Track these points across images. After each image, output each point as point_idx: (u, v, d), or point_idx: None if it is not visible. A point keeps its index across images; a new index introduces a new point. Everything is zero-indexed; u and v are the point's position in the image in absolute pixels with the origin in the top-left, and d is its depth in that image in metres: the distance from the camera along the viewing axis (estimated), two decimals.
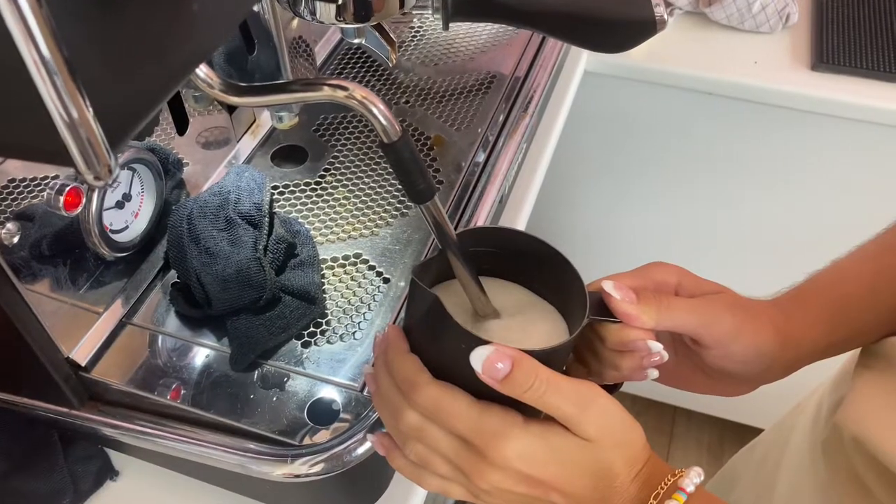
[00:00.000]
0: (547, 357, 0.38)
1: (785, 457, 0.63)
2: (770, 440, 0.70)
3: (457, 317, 0.38)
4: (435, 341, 0.40)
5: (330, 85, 0.37)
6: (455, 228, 0.41)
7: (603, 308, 0.42)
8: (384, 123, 0.36)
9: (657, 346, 0.42)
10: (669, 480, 0.39)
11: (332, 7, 0.47)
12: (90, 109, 0.26)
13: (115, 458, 0.59)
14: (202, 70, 0.37)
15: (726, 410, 1.57)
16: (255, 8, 0.51)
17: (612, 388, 0.46)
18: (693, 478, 0.39)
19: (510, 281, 0.46)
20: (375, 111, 0.36)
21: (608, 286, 0.42)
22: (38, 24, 0.23)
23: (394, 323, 0.57)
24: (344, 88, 0.37)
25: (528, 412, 0.38)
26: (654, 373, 0.45)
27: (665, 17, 0.53)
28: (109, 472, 0.59)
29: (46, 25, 0.23)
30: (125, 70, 0.28)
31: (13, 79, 0.25)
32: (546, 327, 0.44)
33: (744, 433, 1.60)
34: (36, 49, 0.24)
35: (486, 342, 0.37)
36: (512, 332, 0.43)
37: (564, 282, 0.43)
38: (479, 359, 0.37)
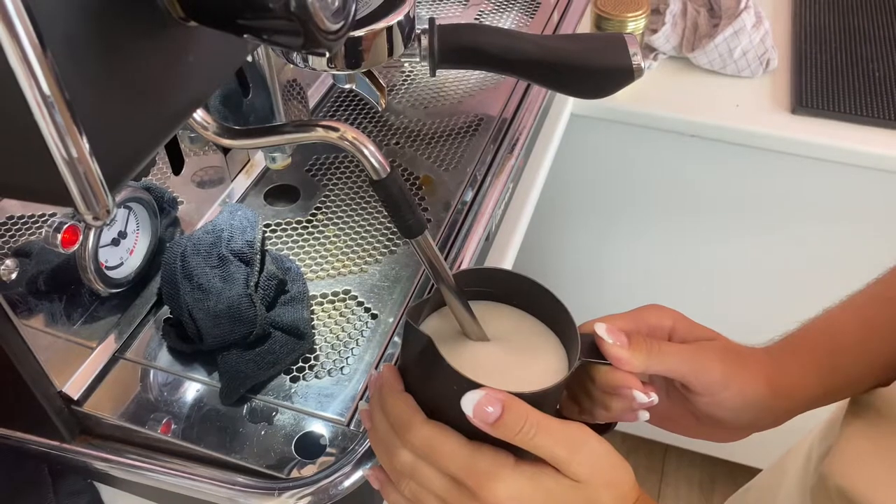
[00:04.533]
0: (538, 399, 0.38)
1: (776, 502, 0.64)
2: (763, 485, 0.70)
3: (453, 341, 0.39)
4: (428, 382, 0.41)
5: (322, 126, 0.39)
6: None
7: (595, 350, 0.43)
8: (373, 162, 0.38)
9: (642, 398, 0.43)
10: None
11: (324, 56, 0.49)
12: (90, 151, 0.27)
13: (104, 492, 0.60)
14: (198, 114, 0.39)
15: (717, 449, 1.56)
16: (250, 55, 0.53)
17: (604, 428, 0.47)
18: None
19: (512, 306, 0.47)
20: (365, 151, 0.38)
21: (600, 330, 0.44)
22: (41, 68, 0.25)
23: (381, 359, 0.59)
24: (335, 129, 0.39)
25: (520, 452, 0.39)
26: (645, 415, 0.46)
27: (642, 65, 0.56)
28: None
29: (49, 69, 0.25)
30: (124, 115, 0.30)
31: (17, 123, 0.26)
32: (546, 358, 0.44)
33: (735, 472, 1.60)
34: (39, 92, 0.25)
35: (477, 385, 0.38)
36: (510, 365, 0.44)
37: (558, 323, 0.44)
38: (469, 403, 0.38)
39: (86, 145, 0.27)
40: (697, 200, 1.17)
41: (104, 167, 0.28)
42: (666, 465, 1.66)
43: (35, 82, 0.25)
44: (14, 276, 0.48)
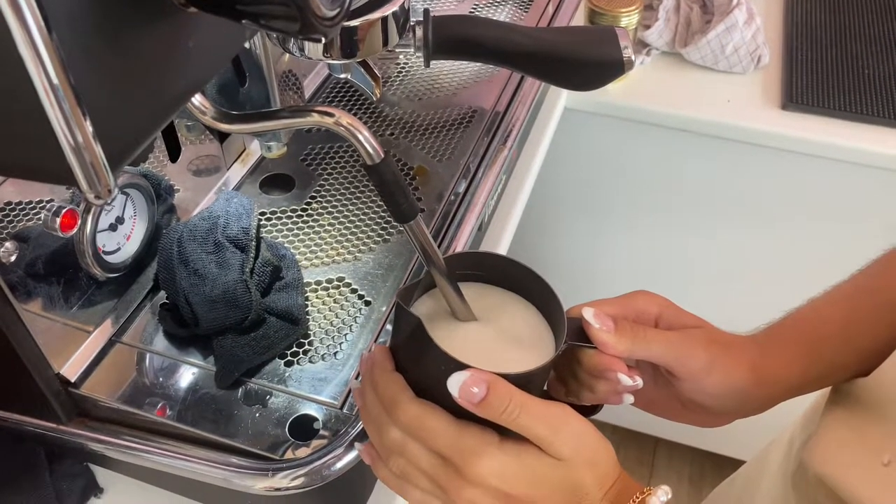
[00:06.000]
0: (522, 381, 0.39)
1: (760, 490, 0.65)
2: (748, 474, 0.71)
3: (443, 322, 0.40)
4: (417, 362, 0.42)
5: (318, 112, 0.40)
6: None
7: (582, 333, 0.44)
8: (367, 147, 0.39)
9: (627, 381, 0.44)
10: (638, 498, 0.40)
11: (320, 44, 0.50)
12: (94, 134, 0.28)
13: (100, 475, 0.60)
14: (196, 99, 0.39)
15: (707, 443, 1.58)
16: (247, 44, 0.54)
17: (591, 410, 0.48)
18: (660, 496, 0.40)
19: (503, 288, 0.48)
20: (360, 136, 0.39)
21: (588, 314, 0.45)
22: (48, 54, 0.26)
23: (374, 345, 0.59)
24: (330, 115, 0.40)
25: (505, 431, 0.40)
26: (630, 398, 0.47)
27: (632, 58, 0.56)
28: (94, 490, 0.60)
29: (56, 56, 0.26)
30: (126, 98, 0.31)
31: (21, 107, 0.27)
32: (534, 340, 0.45)
33: (724, 465, 1.61)
34: (47, 79, 0.26)
35: (463, 366, 0.39)
36: (498, 346, 0.45)
37: (547, 306, 0.45)
38: (455, 384, 0.39)
39: (89, 128, 0.28)
40: (688, 194, 1.19)
41: (106, 148, 0.29)
42: (656, 458, 1.67)
43: (43, 70, 0.26)
44: (13, 258, 0.49)
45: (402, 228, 0.43)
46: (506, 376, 0.39)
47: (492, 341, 0.44)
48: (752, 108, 1.07)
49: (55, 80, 0.26)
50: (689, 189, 1.18)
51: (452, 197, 0.73)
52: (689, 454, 1.65)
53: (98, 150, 0.29)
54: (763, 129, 1.05)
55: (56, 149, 0.28)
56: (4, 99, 0.28)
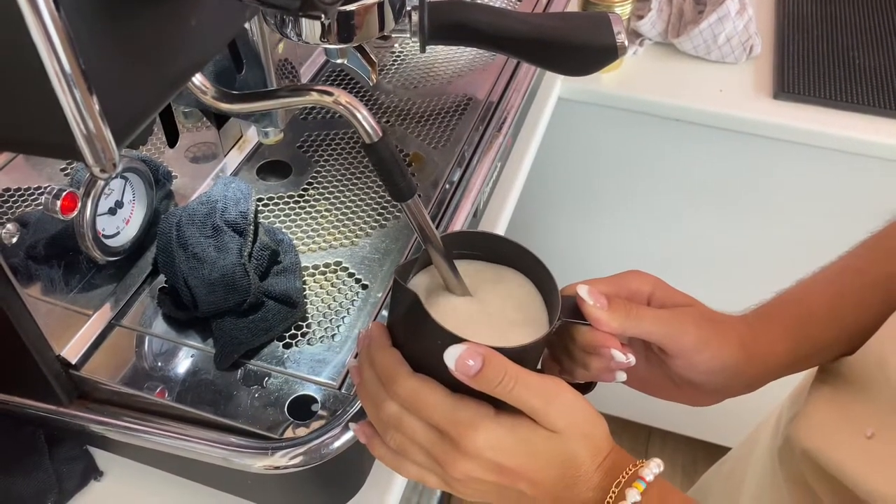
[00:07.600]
0: (517, 355, 0.40)
1: (749, 468, 0.66)
2: (737, 455, 0.73)
3: (439, 297, 0.40)
4: (414, 337, 0.42)
5: (317, 90, 0.41)
6: None
7: (576, 311, 0.45)
8: (366, 126, 0.40)
9: (620, 357, 0.45)
10: (630, 470, 0.41)
11: (317, 28, 0.50)
12: (101, 112, 0.29)
13: (100, 458, 0.61)
14: (197, 78, 0.40)
15: (700, 431, 1.59)
16: (246, 27, 0.54)
17: (585, 388, 0.49)
18: (652, 468, 0.41)
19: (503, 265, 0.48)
20: (359, 115, 0.40)
21: (582, 291, 0.46)
22: (58, 33, 0.26)
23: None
24: (329, 94, 0.40)
25: (501, 404, 0.40)
26: (622, 375, 0.48)
27: (626, 43, 0.57)
28: (94, 473, 0.60)
29: (65, 34, 0.26)
30: (131, 74, 0.32)
31: (30, 84, 0.28)
32: (529, 316, 0.46)
33: (716, 454, 1.60)
34: (56, 56, 0.27)
35: (460, 340, 0.40)
36: (494, 321, 0.45)
37: (542, 284, 0.46)
38: (452, 356, 0.39)
39: (97, 105, 0.29)
40: (680, 183, 1.20)
41: (112, 123, 0.30)
42: (650, 448, 1.69)
43: (52, 49, 0.27)
44: (15, 240, 0.49)
45: (399, 209, 0.43)
46: (501, 350, 0.40)
47: (488, 317, 0.45)
48: (744, 97, 1.08)
49: (64, 60, 0.27)
50: (681, 177, 1.19)
51: (448, 185, 0.73)
52: (682, 443, 1.66)
53: (105, 129, 0.29)
54: (755, 118, 1.06)
55: (63, 124, 0.29)
56: (11, 75, 0.29)
